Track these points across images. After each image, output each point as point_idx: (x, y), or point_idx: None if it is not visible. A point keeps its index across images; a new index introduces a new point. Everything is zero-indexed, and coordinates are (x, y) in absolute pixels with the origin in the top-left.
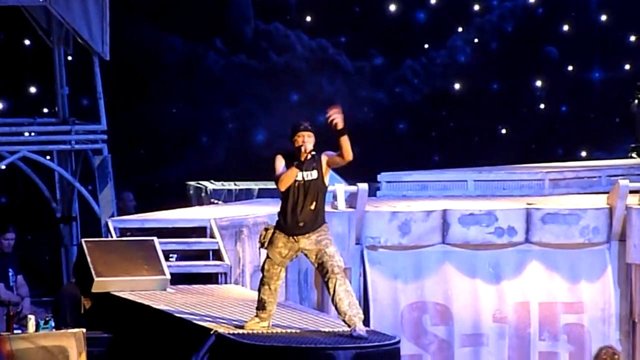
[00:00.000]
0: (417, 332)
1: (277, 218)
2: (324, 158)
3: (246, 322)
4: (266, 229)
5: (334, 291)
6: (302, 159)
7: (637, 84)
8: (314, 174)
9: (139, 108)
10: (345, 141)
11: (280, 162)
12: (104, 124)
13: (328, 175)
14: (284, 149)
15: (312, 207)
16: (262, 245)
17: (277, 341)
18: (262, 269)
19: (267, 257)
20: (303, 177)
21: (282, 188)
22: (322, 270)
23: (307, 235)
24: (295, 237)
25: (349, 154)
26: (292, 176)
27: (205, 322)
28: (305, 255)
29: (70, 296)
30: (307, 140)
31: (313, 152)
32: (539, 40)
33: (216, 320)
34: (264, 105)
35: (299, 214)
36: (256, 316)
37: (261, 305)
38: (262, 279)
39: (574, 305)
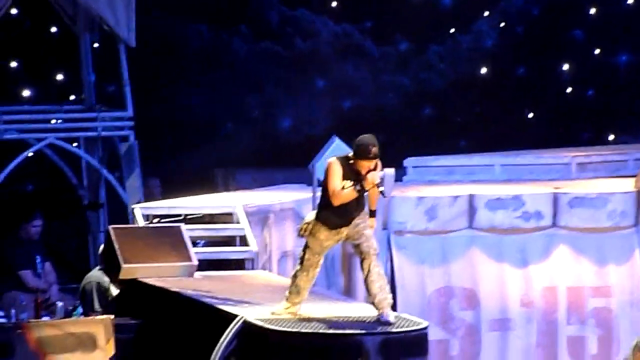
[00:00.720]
0: (445, 317)
1: (318, 211)
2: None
3: (275, 307)
4: (308, 222)
5: (368, 271)
6: (367, 187)
7: None
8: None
9: (165, 94)
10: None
11: (336, 175)
12: (130, 110)
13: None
14: (340, 157)
15: (357, 211)
16: (301, 237)
17: (305, 327)
18: (302, 257)
19: (307, 246)
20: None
21: (336, 204)
22: (358, 251)
23: (348, 225)
24: (338, 230)
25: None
26: (349, 197)
27: (233, 309)
28: (345, 240)
29: (97, 283)
30: (371, 167)
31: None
32: (565, 24)
33: (243, 306)
34: (289, 92)
35: (346, 216)
36: (287, 300)
37: (296, 291)
38: (300, 266)
39: (601, 289)
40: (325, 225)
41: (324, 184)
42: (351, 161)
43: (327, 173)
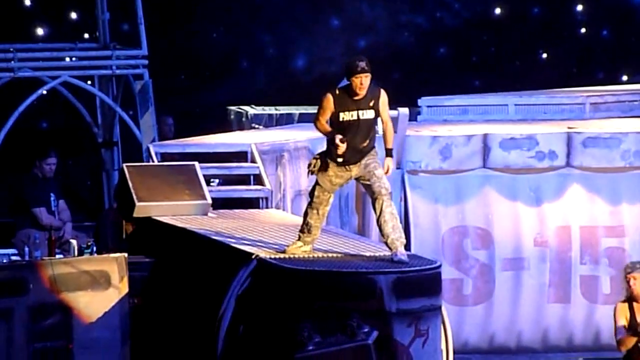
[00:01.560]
0: (458, 256)
1: (326, 147)
2: (382, 100)
3: (288, 246)
4: (316, 158)
5: (381, 212)
6: (356, 99)
7: None
8: (369, 114)
9: (180, 33)
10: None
11: (326, 109)
12: (144, 49)
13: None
14: (335, 87)
15: (365, 144)
16: (311, 173)
17: (318, 265)
18: (311, 194)
19: (317, 183)
20: (358, 116)
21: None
22: (370, 191)
23: (358, 163)
24: (346, 167)
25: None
26: (325, 134)
27: (247, 247)
28: (355, 179)
29: (111, 221)
30: (364, 83)
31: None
32: None
33: (257, 244)
34: (304, 30)
35: (352, 149)
36: (299, 239)
37: (307, 229)
38: (310, 204)
39: (615, 228)
40: (333, 161)
41: None
42: (347, 88)
43: (320, 103)
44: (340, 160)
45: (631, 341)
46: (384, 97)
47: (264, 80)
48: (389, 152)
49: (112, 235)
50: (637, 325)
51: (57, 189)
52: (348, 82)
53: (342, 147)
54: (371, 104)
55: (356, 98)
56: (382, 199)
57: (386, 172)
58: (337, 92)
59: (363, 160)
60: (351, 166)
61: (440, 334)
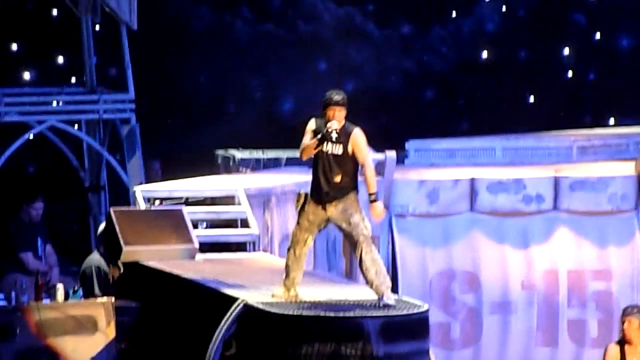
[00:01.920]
0: (446, 300)
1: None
2: (353, 140)
3: (275, 290)
4: (299, 194)
5: (360, 260)
6: (324, 134)
7: None
8: (338, 150)
9: (167, 77)
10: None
11: (308, 131)
12: (131, 93)
13: (354, 154)
14: (318, 115)
15: (337, 179)
16: (296, 208)
17: (306, 310)
18: (292, 235)
19: (297, 222)
20: (329, 150)
21: (303, 158)
22: (350, 239)
23: (334, 203)
24: (323, 205)
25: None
26: (310, 149)
27: (234, 291)
28: (334, 224)
29: (97, 267)
30: (336, 116)
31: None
32: (566, 8)
33: (244, 289)
34: (291, 74)
35: (325, 184)
36: (282, 284)
37: (286, 272)
38: (290, 244)
39: (602, 272)
40: (311, 198)
41: None
42: (324, 119)
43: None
44: (330, 135)
45: None
46: (355, 137)
47: (251, 124)
48: (372, 198)
49: (97, 280)
50: None
51: (44, 233)
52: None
53: (332, 125)
54: (341, 139)
55: (325, 134)
56: (361, 246)
57: (376, 219)
58: (317, 122)
59: (340, 204)
60: (326, 205)
61: None
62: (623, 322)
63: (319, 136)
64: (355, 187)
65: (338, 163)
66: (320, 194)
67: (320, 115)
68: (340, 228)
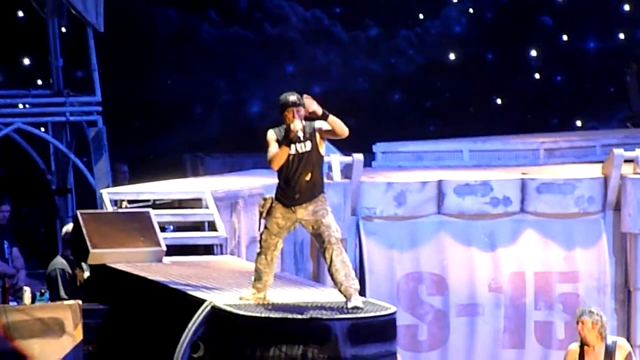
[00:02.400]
0: (413, 302)
1: (275, 189)
2: (318, 129)
3: (243, 293)
4: (264, 199)
5: (331, 262)
6: (292, 136)
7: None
8: (307, 146)
9: (134, 79)
10: (333, 122)
11: (271, 141)
12: (98, 95)
13: (324, 144)
14: (276, 123)
15: (308, 178)
16: (261, 215)
17: (273, 312)
18: (260, 239)
19: (265, 227)
20: (297, 150)
21: (275, 168)
22: (319, 240)
23: (304, 205)
24: (292, 208)
25: (342, 131)
26: (283, 156)
27: (201, 294)
28: (303, 225)
29: (61, 270)
30: (296, 116)
31: (304, 125)
32: (533, 10)
33: (212, 291)
34: (258, 76)
35: (295, 186)
36: (252, 287)
37: (257, 276)
38: (259, 249)
39: (569, 274)
40: (280, 203)
41: None
42: (284, 125)
43: (265, 141)
44: (297, 135)
45: None
46: (319, 122)
47: (218, 127)
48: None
49: (63, 283)
50: None
51: (10, 236)
52: (283, 121)
53: (296, 125)
54: (307, 135)
55: (290, 137)
56: (332, 248)
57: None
58: (276, 130)
59: (311, 205)
60: (297, 208)
61: None
62: (577, 327)
63: (286, 142)
64: (323, 188)
65: (307, 160)
66: (290, 198)
67: (278, 122)
68: (309, 229)
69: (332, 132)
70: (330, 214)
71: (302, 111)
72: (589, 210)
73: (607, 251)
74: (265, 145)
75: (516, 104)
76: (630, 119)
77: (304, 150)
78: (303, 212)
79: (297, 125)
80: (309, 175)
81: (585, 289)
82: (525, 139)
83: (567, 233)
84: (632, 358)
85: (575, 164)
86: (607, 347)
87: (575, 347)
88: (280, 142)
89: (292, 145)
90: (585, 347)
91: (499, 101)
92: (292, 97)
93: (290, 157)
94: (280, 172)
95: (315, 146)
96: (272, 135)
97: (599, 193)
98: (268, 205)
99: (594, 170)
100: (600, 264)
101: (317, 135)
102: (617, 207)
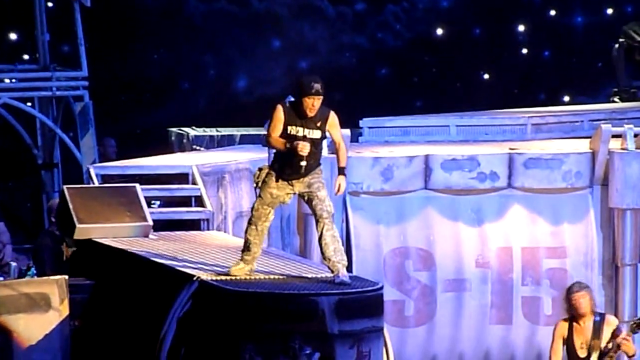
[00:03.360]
0: (400, 277)
1: (272, 159)
2: (330, 122)
3: (230, 267)
4: (260, 169)
5: (321, 235)
6: (304, 121)
7: (623, 27)
8: (316, 134)
9: (120, 54)
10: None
11: (278, 120)
12: (85, 70)
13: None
14: (286, 99)
15: (311, 161)
16: (256, 185)
17: (260, 287)
18: (252, 209)
19: (259, 196)
20: (305, 135)
21: (268, 145)
22: (313, 213)
23: (301, 179)
24: (289, 181)
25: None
26: (277, 147)
27: (188, 269)
28: (298, 196)
29: (47, 244)
30: (315, 105)
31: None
32: None
33: (199, 266)
34: (245, 52)
35: (296, 166)
36: (241, 260)
37: (246, 247)
38: (250, 219)
39: (556, 250)
40: (277, 175)
41: None
42: (297, 104)
43: (271, 116)
44: (303, 164)
45: None
46: (332, 118)
47: (205, 102)
48: (341, 171)
49: (49, 258)
50: (573, 346)
51: None
52: (297, 100)
53: (305, 149)
54: (319, 124)
55: (305, 117)
56: (324, 222)
57: (337, 191)
58: (287, 104)
59: (307, 178)
60: (294, 182)
61: (382, 355)
62: (573, 300)
63: (288, 145)
64: (320, 162)
65: (314, 145)
66: (288, 175)
67: (293, 100)
68: (305, 200)
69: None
70: (324, 188)
71: (320, 101)
72: (577, 186)
73: (594, 226)
74: (270, 117)
75: (504, 79)
76: (618, 94)
77: (312, 136)
78: (300, 185)
79: (306, 149)
80: (312, 159)
81: (572, 265)
82: (512, 114)
83: (555, 208)
84: (619, 332)
85: (562, 139)
86: (594, 322)
87: (563, 322)
88: (297, 129)
89: (303, 129)
90: (574, 324)
91: (486, 76)
92: (317, 85)
93: (297, 137)
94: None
95: (323, 135)
96: (280, 114)
97: (587, 168)
98: (263, 175)
99: (582, 146)
100: (587, 239)
101: (327, 127)
102: (605, 183)
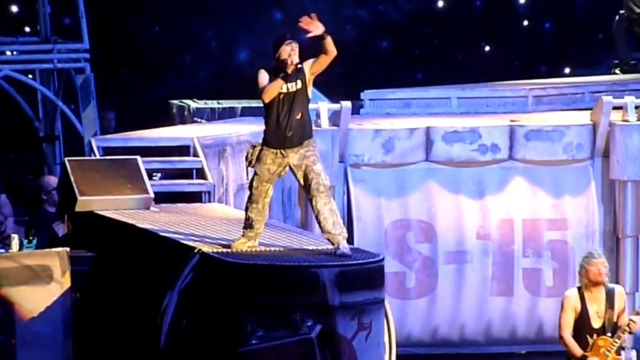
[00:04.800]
0: (401, 249)
1: (262, 135)
2: (306, 66)
3: (232, 241)
4: (253, 146)
5: (319, 210)
6: (289, 71)
7: None
8: (298, 84)
9: (122, 27)
10: (328, 43)
11: (264, 76)
12: (86, 42)
13: (311, 85)
14: (267, 65)
15: (299, 117)
16: (249, 164)
17: (261, 259)
18: (250, 187)
19: (255, 174)
20: (288, 88)
21: (267, 99)
22: (308, 188)
23: (295, 149)
24: (283, 151)
25: (333, 50)
26: (277, 87)
27: (189, 241)
28: (292, 171)
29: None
30: (294, 51)
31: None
32: None
33: (200, 238)
34: (246, 24)
35: (286, 125)
36: (243, 236)
37: (249, 224)
38: (249, 197)
39: (557, 221)
40: (269, 147)
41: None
42: (276, 66)
43: (255, 80)
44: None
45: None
46: (305, 63)
47: (206, 74)
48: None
49: (41, 236)
50: (587, 317)
51: None
52: (276, 60)
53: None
54: (298, 75)
55: (288, 71)
56: (321, 196)
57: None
58: (267, 70)
59: (302, 149)
60: (287, 151)
61: (383, 327)
62: (593, 266)
63: (282, 75)
64: (312, 131)
65: (297, 99)
66: (281, 140)
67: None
68: (299, 174)
69: (320, 59)
70: (320, 162)
71: (297, 50)
72: (578, 158)
73: (595, 198)
74: (255, 81)
75: (505, 51)
76: (618, 65)
77: (295, 89)
78: (294, 156)
79: (295, 59)
80: (300, 114)
81: (573, 237)
82: (513, 86)
83: (556, 180)
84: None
85: (563, 111)
86: (608, 292)
87: (573, 292)
88: (273, 79)
89: (284, 85)
90: (586, 292)
91: (487, 48)
92: (288, 35)
93: (281, 96)
94: (270, 114)
95: (304, 85)
96: (262, 72)
97: (588, 140)
98: (257, 152)
99: (583, 117)
100: (588, 211)
101: (307, 73)
102: (606, 154)
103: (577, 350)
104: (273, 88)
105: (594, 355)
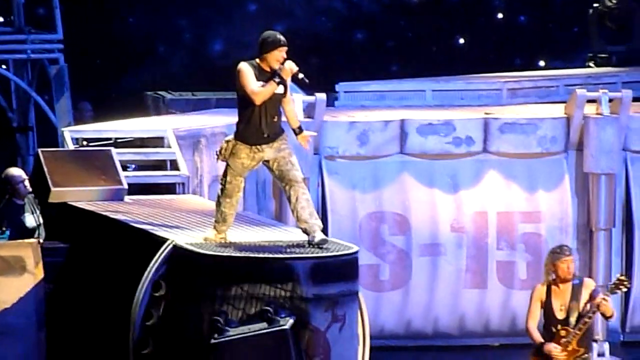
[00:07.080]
0: (376, 242)
1: (236, 129)
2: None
3: (206, 234)
4: (227, 141)
5: (296, 200)
6: (285, 76)
7: None
8: (281, 88)
9: (96, 17)
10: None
11: (251, 75)
12: (60, 33)
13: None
14: (247, 60)
15: (276, 119)
16: (223, 158)
17: (235, 251)
18: (223, 181)
19: (228, 167)
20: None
21: (259, 102)
22: (283, 179)
23: (270, 144)
24: (258, 147)
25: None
26: (270, 92)
27: (163, 233)
28: (266, 165)
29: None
30: (283, 58)
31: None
32: None
33: (174, 230)
34: (221, 15)
35: (265, 126)
36: (216, 229)
37: (222, 218)
38: (222, 191)
39: (531, 214)
40: (245, 142)
41: (239, 93)
42: (260, 63)
43: (239, 78)
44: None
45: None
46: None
47: (180, 65)
48: (300, 130)
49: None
50: (551, 309)
51: None
52: (261, 58)
53: (293, 66)
54: (283, 78)
55: (266, 74)
56: (299, 186)
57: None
58: (250, 64)
59: (275, 143)
60: (263, 146)
61: (357, 319)
62: (562, 263)
63: (277, 79)
64: (283, 129)
65: (278, 100)
66: (257, 138)
67: (258, 57)
68: (273, 167)
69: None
70: (293, 153)
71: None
72: (552, 151)
73: (569, 191)
74: (241, 78)
75: (479, 43)
76: (593, 59)
77: (278, 92)
78: (269, 151)
79: (293, 67)
80: (276, 116)
81: (547, 229)
82: (488, 79)
83: (530, 173)
84: (597, 294)
85: (538, 104)
86: (573, 285)
87: (541, 287)
88: (268, 79)
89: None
90: (553, 287)
91: (461, 41)
92: (282, 37)
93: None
94: (250, 112)
95: (285, 89)
96: (249, 69)
97: (562, 133)
98: (231, 146)
99: (557, 110)
100: (562, 204)
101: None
102: (580, 148)
103: (537, 339)
104: (267, 92)
105: (555, 343)
